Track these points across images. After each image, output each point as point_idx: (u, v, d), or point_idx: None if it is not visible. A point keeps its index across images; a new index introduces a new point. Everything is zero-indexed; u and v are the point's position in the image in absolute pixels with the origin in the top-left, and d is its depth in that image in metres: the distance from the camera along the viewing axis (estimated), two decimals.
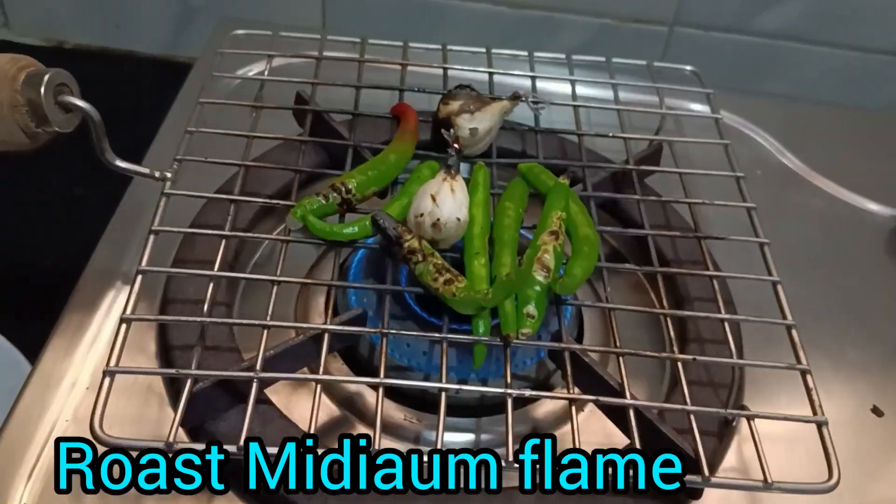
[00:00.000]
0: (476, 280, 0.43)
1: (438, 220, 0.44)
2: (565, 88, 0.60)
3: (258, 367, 0.39)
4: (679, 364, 0.43)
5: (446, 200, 0.45)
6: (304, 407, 0.46)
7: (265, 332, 0.41)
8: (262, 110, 0.54)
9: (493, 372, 0.46)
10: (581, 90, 0.59)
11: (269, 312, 0.42)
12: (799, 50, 0.81)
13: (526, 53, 0.61)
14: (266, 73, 0.56)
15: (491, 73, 0.59)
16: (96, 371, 0.45)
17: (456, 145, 0.48)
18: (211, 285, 0.43)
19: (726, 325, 0.45)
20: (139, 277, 0.42)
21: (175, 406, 0.43)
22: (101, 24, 0.89)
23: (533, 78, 0.59)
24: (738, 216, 0.52)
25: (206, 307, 0.42)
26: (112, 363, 0.38)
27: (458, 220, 0.45)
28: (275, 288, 0.43)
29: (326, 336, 0.41)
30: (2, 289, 0.68)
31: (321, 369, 0.40)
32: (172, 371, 0.39)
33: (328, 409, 0.46)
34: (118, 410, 0.41)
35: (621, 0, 0.81)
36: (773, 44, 0.81)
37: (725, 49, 0.82)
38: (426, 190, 0.45)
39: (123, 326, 0.40)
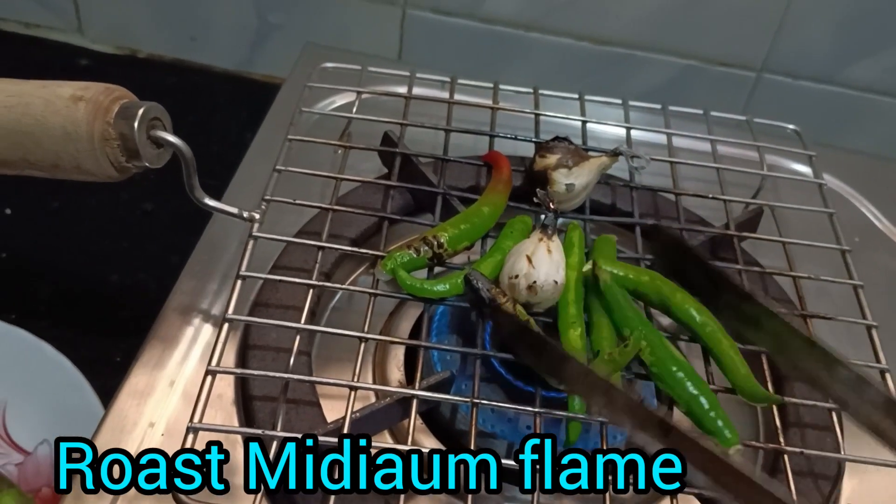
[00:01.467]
0: (573, 350, 0.41)
1: (534, 282, 0.42)
2: (660, 139, 0.58)
3: (345, 431, 0.37)
4: (784, 455, 0.40)
5: (543, 262, 0.43)
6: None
7: (352, 393, 0.39)
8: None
9: (581, 444, 0.44)
10: (676, 141, 0.57)
11: (356, 372, 0.40)
12: (892, 105, 0.78)
13: (620, 101, 0.59)
14: (354, 109, 0.55)
15: (584, 122, 0.57)
16: (172, 417, 0.43)
17: (552, 205, 0.46)
18: (297, 338, 0.41)
19: (833, 414, 0.43)
20: (226, 326, 0.40)
21: None
22: (177, 35, 0.88)
23: (628, 129, 0.57)
24: (840, 290, 0.49)
25: (291, 361, 0.40)
26: (196, 419, 0.37)
27: (556, 282, 0.43)
28: (362, 346, 0.41)
29: (415, 401, 0.40)
30: (66, 302, 0.68)
31: (409, 439, 0.38)
32: (258, 432, 0.38)
33: None
34: None
35: (709, 42, 0.78)
36: (863, 97, 0.78)
37: (813, 99, 0.79)
38: (521, 250, 0.43)
39: (209, 379, 0.38)
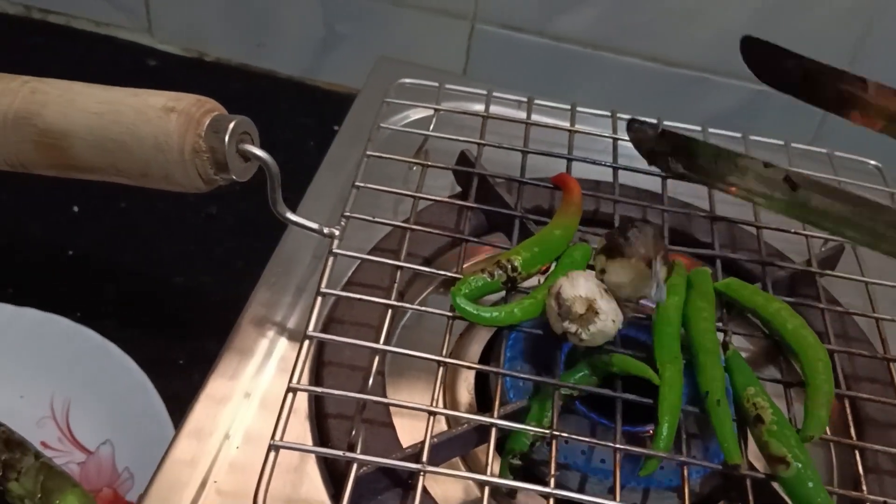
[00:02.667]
0: (669, 387, 0.40)
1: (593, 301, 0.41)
2: None
3: (425, 458, 0.37)
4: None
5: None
6: (447, 489, 0.44)
7: (431, 418, 0.39)
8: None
9: (657, 482, 0.43)
10: None
11: (435, 397, 0.40)
12: None
13: (699, 128, 0.58)
14: (431, 126, 0.54)
15: None
16: (249, 429, 0.43)
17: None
18: (376, 359, 0.41)
19: None
20: (307, 343, 0.40)
21: (325, 475, 0.42)
22: (244, 41, 0.89)
23: None
24: None
25: (371, 381, 0.40)
26: (278, 437, 0.37)
27: (613, 322, 0.42)
28: (441, 369, 0.41)
29: (494, 430, 0.39)
30: (130, 302, 0.68)
31: (489, 469, 0.38)
32: (339, 454, 0.38)
33: (471, 495, 0.44)
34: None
35: None
36: None
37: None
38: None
39: (290, 397, 0.38)
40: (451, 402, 0.48)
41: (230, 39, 0.89)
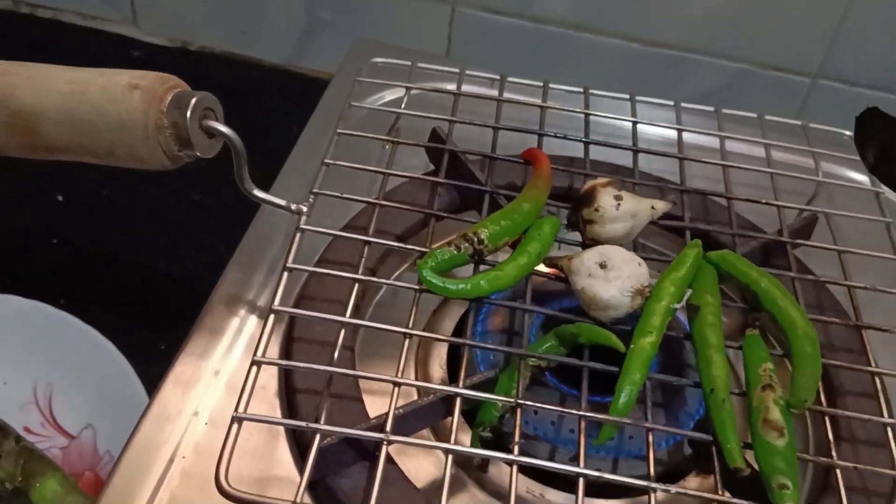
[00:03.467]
0: (633, 355, 0.40)
1: (646, 287, 0.42)
2: (710, 142, 0.57)
3: (388, 428, 0.37)
4: (837, 470, 0.39)
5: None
6: (418, 463, 0.44)
7: (396, 389, 0.39)
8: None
9: (625, 451, 0.43)
10: (729, 145, 0.56)
11: (400, 368, 0.40)
12: None
13: (672, 103, 0.58)
14: (403, 105, 0.55)
15: (635, 123, 0.56)
16: (217, 406, 0.44)
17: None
18: (342, 332, 0.41)
19: (889, 429, 0.41)
20: (272, 318, 0.40)
21: (294, 450, 0.42)
22: (228, 29, 0.89)
23: (679, 131, 0.56)
24: (894, 303, 0.48)
25: (336, 355, 0.40)
26: (241, 409, 0.37)
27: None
28: (407, 341, 0.41)
29: (458, 400, 0.39)
30: (113, 290, 0.69)
31: (452, 438, 0.38)
32: (302, 424, 0.38)
33: (443, 467, 0.44)
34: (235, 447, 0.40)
35: (764, 46, 0.77)
36: None
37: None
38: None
39: (254, 370, 0.38)
40: (424, 376, 0.48)
41: (214, 28, 0.89)
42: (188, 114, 0.42)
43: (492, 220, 0.46)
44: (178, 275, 0.70)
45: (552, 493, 0.43)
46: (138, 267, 0.70)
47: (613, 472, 0.43)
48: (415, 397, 0.44)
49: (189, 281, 0.70)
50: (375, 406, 0.43)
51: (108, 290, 0.68)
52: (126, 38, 0.91)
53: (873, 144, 0.38)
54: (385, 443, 0.37)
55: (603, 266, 0.42)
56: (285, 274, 0.42)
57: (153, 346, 0.64)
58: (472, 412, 0.45)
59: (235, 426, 0.36)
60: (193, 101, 0.43)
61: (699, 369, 0.40)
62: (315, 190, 0.47)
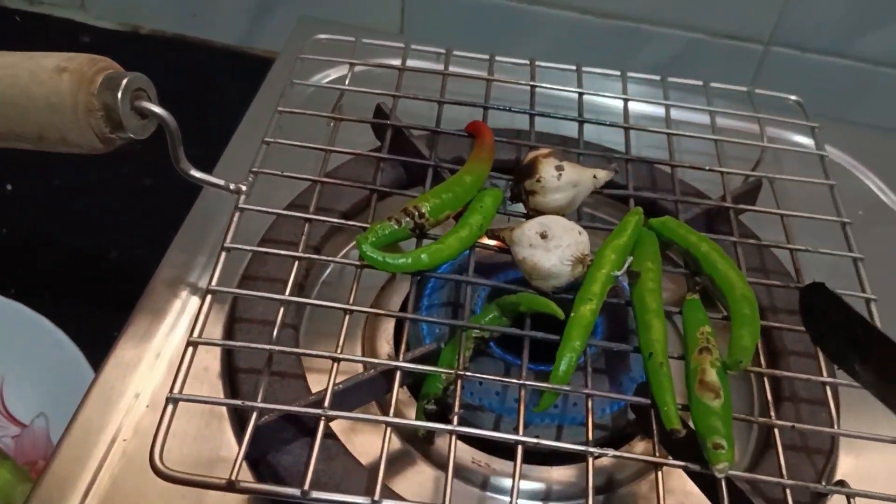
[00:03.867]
0: (573, 323, 0.40)
1: (586, 255, 0.42)
2: (657, 111, 0.57)
3: (326, 403, 0.37)
4: (775, 430, 0.40)
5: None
6: (366, 439, 0.44)
7: (335, 365, 0.39)
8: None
9: (570, 418, 0.44)
10: (674, 113, 0.56)
11: (340, 344, 0.39)
12: None
13: (618, 73, 0.57)
14: (347, 81, 0.54)
15: (581, 94, 0.56)
16: (158, 389, 0.43)
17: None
18: (281, 310, 0.41)
19: (827, 388, 0.42)
20: (209, 298, 0.40)
21: (237, 432, 0.42)
22: (178, 11, 0.87)
23: (625, 100, 0.56)
24: (837, 263, 0.48)
25: (275, 333, 0.40)
26: (176, 389, 0.37)
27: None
28: (347, 317, 0.41)
29: (398, 373, 0.39)
30: (65, 278, 0.68)
31: (391, 410, 0.38)
32: (238, 402, 0.38)
33: (391, 442, 0.44)
34: (176, 430, 0.40)
35: (716, 15, 0.77)
36: (874, 70, 0.76)
37: (822, 72, 0.77)
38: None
39: (190, 350, 0.38)
40: (370, 352, 0.48)
41: (164, 11, 0.88)
42: (119, 95, 0.42)
43: (433, 194, 0.45)
44: (130, 261, 0.69)
45: (498, 462, 0.43)
46: (90, 254, 0.70)
47: (558, 439, 0.43)
48: (361, 371, 0.44)
49: (142, 267, 0.68)
50: (321, 383, 0.42)
51: (61, 279, 0.68)
52: (74, 22, 0.90)
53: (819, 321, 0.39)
54: (323, 418, 0.37)
55: (543, 236, 0.42)
56: (223, 254, 0.42)
57: (105, 333, 0.63)
58: (419, 385, 0.45)
59: (171, 407, 0.36)
60: (124, 81, 0.42)
61: (638, 334, 0.41)
62: (254, 169, 0.47)
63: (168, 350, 0.45)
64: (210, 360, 0.44)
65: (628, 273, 0.43)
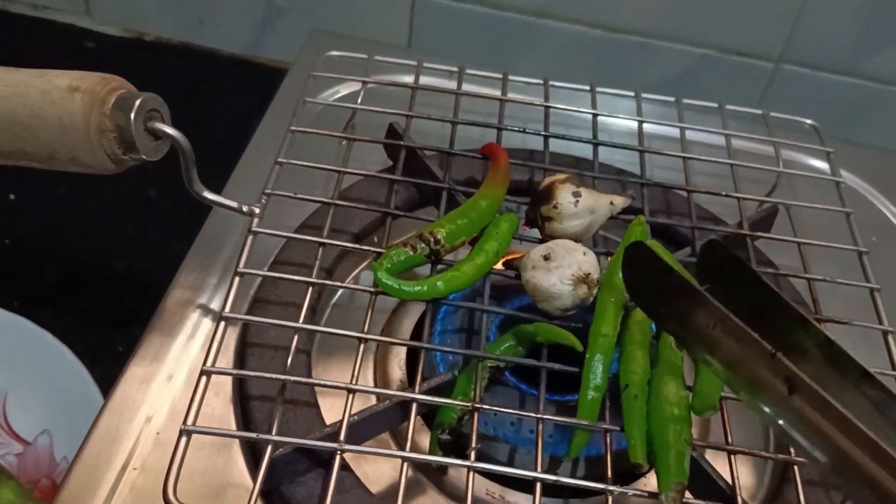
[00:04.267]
0: (597, 355, 0.39)
1: (589, 275, 0.41)
2: (673, 133, 0.56)
3: (342, 437, 0.37)
4: (795, 466, 0.39)
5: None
6: (377, 467, 0.43)
7: (350, 396, 0.38)
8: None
9: (585, 451, 0.43)
10: (690, 135, 0.55)
11: (356, 374, 0.39)
12: None
13: (633, 94, 0.57)
14: (359, 100, 0.53)
15: (595, 115, 0.55)
16: (169, 413, 0.43)
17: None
18: (295, 338, 0.40)
19: None
20: (222, 325, 0.39)
21: (249, 460, 0.41)
22: (184, 18, 0.87)
23: (640, 122, 0.55)
24: (854, 293, 0.48)
25: (289, 361, 0.39)
26: (189, 421, 0.36)
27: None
28: (362, 346, 0.40)
29: (414, 406, 0.38)
30: (69, 290, 0.67)
31: (408, 444, 0.37)
32: (253, 435, 0.37)
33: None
34: (187, 458, 0.39)
35: (726, 31, 0.76)
36: (885, 89, 0.76)
37: (832, 91, 0.77)
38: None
39: (204, 380, 0.37)
40: (383, 379, 0.48)
41: (169, 18, 0.87)
42: (132, 116, 0.41)
43: (448, 219, 0.45)
44: (135, 274, 0.68)
45: (512, 495, 0.43)
46: (94, 267, 0.69)
47: (573, 471, 0.43)
48: (373, 400, 0.43)
49: (146, 280, 0.68)
50: (333, 410, 0.42)
51: (65, 292, 0.67)
52: (79, 28, 0.89)
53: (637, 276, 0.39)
54: (339, 452, 0.36)
55: (546, 258, 0.41)
56: (237, 279, 0.41)
57: (110, 347, 0.63)
58: (432, 413, 0.45)
59: (184, 439, 0.35)
60: (138, 102, 0.41)
61: (619, 364, 0.40)
62: (268, 190, 0.46)
63: (180, 372, 0.44)
64: (221, 385, 0.44)
65: None
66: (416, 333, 0.49)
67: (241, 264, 0.42)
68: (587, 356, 0.39)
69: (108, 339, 0.63)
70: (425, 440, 0.44)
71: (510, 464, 0.43)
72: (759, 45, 0.76)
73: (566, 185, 0.45)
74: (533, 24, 0.79)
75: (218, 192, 0.46)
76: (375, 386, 0.47)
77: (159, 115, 0.42)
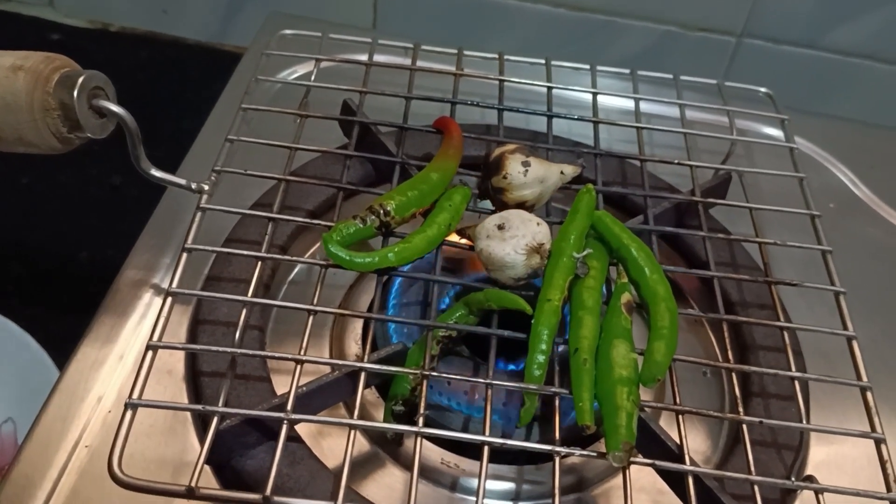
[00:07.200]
0: (542, 319, 0.39)
1: (542, 245, 0.41)
2: (628, 104, 0.56)
3: (289, 407, 0.36)
4: (744, 426, 0.39)
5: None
6: (334, 442, 0.43)
7: (298, 367, 0.38)
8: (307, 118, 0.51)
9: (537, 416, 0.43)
10: (644, 107, 0.56)
11: (304, 346, 0.39)
12: (874, 69, 0.76)
13: (588, 66, 0.57)
14: (313, 77, 0.53)
15: (550, 88, 0.55)
16: (121, 392, 0.43)
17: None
18: (244, 311, 0.40)
19: (796, 383, 0.42)
20: (169, 300, 0.39)
21: (201, 437, 0.41)
22: (149, 8, 0.86)
23: (594, 94, 0.55)
24: (809, 256, 0.48)
25: (237, 335, 0.39)
26: (135, 395, 0.36)
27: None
28: (311, 318, 0.40)
29: (363, 374, 0.38)
30: (35, 280, 0.67)
31: (356, 413, 0.37)
32: (199, 407, 0.37)
33: (359, 444, 0.44)
34: (139, 434, 0.39)
35: (688, 7, 0.76)
36: (847, 61, 0.77)
37: (795, 64, 0.77)
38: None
39: (150, 354, 0.37)
40: (339, 354, 0.48)
41: (134, 8, 0.87)
42: (75, 94, 0.41)
43: (399, 191, 0.45)
44: (99, 262, 0.68)
45: (467, 463, 0.43)
46: (59, 256, 0.68)
47: (528, 438, 0.43)
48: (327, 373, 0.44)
49: (112, 268, 0.68)
50: (286, 386, 0.42)
51: (30, 282, 0.66)
52: (43, 20, 0.88)
53: None
54: (285, 422, 0.36)
55: (501, 227, 0.42)
56: (184, 255, 0.41)
57: (75, 335, 0.62)
58: (387, 385, 0.45)
59: (129, 413, 0.35)
60: (81, 80, 0.41)
61: (569, 329, 0.40)
62: (217, 168, 0.46)
63: (131, 352, 0.44)
64: (174, 363, 0.44)
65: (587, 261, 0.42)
66: (372, 308, 0.49)
67: (190, 240, 0.42)
68: (532, 322, 0.39)
69: (72, 328, 0.63)
70: (380, 413, 0.44)
71: (464, 433, 0.43)
72: (721, 20, 0.76)
73: (515, 154, 0.45)
74: (497, 5, 0.79)
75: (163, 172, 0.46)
76: (325, 358, 0.46)
77: (104, 93, 0.42)
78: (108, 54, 0.86)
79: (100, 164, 0.74)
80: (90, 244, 0.69)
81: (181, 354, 0.44)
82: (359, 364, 0.39)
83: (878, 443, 0.39)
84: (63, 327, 0.62)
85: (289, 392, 0.37)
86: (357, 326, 0.48)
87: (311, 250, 0.52)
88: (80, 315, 0.64)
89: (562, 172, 0.46)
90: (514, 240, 0.41)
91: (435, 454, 0.43)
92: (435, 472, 0.43)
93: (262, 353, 0.39)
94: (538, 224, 0.42)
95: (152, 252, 0.49)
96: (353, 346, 0.48)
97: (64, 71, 0.42)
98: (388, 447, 0.44)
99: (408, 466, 0.43)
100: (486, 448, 0.36)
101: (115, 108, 0.42)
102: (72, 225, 0.71)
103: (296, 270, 0.51)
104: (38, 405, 0.56)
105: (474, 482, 0.43)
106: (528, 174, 0.45)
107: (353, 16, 0.81)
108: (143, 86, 0.87)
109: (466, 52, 0.56)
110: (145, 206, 0.72)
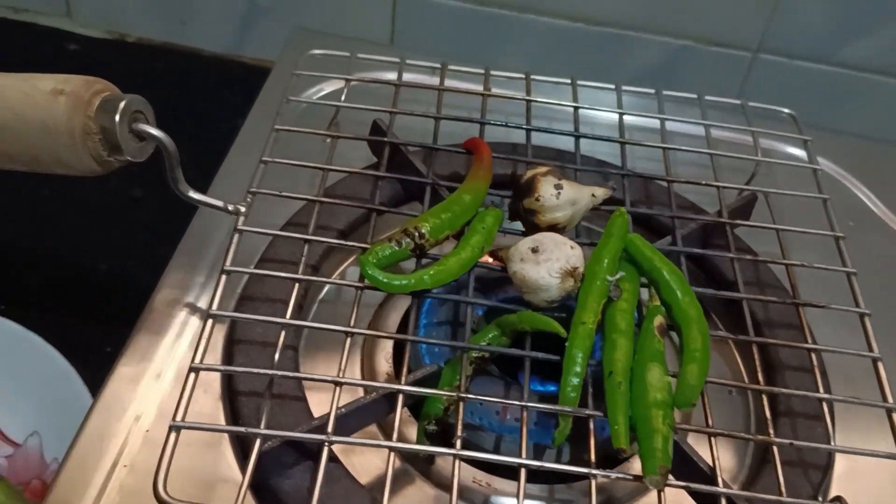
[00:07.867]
0: (576, 341, 0.40)
1: (577, 268, 0.42)
2: (654, 124, 0.57)
3: (330, 429, 0.37)
4: (774, 447, 0.40)
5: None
6: (365, 458, 0.44)
7: (337, 388, 0.39)
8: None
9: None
10: (670, 126, 0.56)
11: (343, 367, 0.39)
12: (889, 84, 0.77)
13: (613, 86, 0.58)
14: (343, 97, 0.54)
15: (577, 108, 0.56)
16: (158, 411, 0.43)
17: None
18: (282, 333, 0.41)
19: (823, 404, 0.42)
20: (210, 322, 0.40)
21: (238, 454, 0.42)
22: (166, 19, 0.87)
23: (621, 114, 0.56)
24: (832, 277, 0.49)
25: (276, 357, 0.40)
26: (179, 417, 0.36)
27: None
28: (348, 340, 0.41)
29: (401, 396, 0.39)
30: (55, 292, 0.67)
31: (395, 435, 0.38)
32: (242, 430, 0.38)
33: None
34: (176, 453, 0.39)
35: (705, 22, 0.77)
36: (861, 76, 0.77)
37: (810, 79, 0.78)
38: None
39: (192, 376, 0.38)
40: (370, 373, 0.48)
41: (151, 19, 0.87)
42: (117, 118, 0.41)
43: (432, 214, 0.45)
44: (120, 274, 0.68)
45: (498, 482, 0.43)
46: (80, 268, 0.69)
47: (557, 457, 0.44)
48: (361, 393, 0.44)
49: (132, 280, 0.68)
50: (321, 403, 0.42)
51: (50, 294, 0.67)
52: (61, 31, 0.89)
53: None
54: (326, 444, 0.37)
55: (535, 250, 0.42)
56: (223, 277, 0.42)
57: (98, 348, 0.63)
58: (419, 405, 0.45)
59: (174, 435, 0.36)
60: (122, 104, 0.42)
61: (603, 351, 0.41)
62: (253, 189, 0.46)
63: (168, 371, 0.45)
64: (210, 382, 0.44)
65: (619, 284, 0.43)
66: (403, 328, 0.49)
67: (228, 262, 0.43)
68: (567, 344, 0.40)
69: (95, 340, 0.63)
70: (413, 432, 0.44)
71: (496, 452, 0.44)
72: (737, 35, 0.77)
73: (548, 177, 0.46)
74: (514, 19, 0.79)
75: (203, 191, 0.46)
76: (363, 379, 0.47)
77: (143, 117, 0.43)
78: (125, 65, 0.87)
79: (120, 176, 0.74)
80: (110, 256, 0.70)
81: (218, 374, 0.44)
82: (396, 387, 0.40)
83: None
84: (84, 339, 0.63)
85: (329, 413, 0.38)
86: (387, 345, 0.49)
87: (341, 269, 0.53)
88: (100, 327, 0.65)
89: (593, 195, 0.46)
90: (548, 263, 0.42)
91: (467, 472, 0.44)
92: (467, 491, 0.43)
93: (302, 374, 0.40)
94: (572, 247, 0.43)
95: (185, 271, 0.49)
96: (384, 364, 0.48)
97: (105, 95, 0.42)
98: (419, 464, 0.44)
99: (438, 484, 0.44)
100: (523, 470, 0.37)
101: (155, 131, 0.43)
102: (92, 237, 0.71)
103: (325, 290, 0.52)
104: (64, 418, 0.57)
105: (506, 501, 0.43)
106: (560, 197, 0.45)
107: (372, 29, 0.82)
108: (159, 97, 0.88)
109: (493, 73, 0.57)
110: (166, 219, 0.72)
